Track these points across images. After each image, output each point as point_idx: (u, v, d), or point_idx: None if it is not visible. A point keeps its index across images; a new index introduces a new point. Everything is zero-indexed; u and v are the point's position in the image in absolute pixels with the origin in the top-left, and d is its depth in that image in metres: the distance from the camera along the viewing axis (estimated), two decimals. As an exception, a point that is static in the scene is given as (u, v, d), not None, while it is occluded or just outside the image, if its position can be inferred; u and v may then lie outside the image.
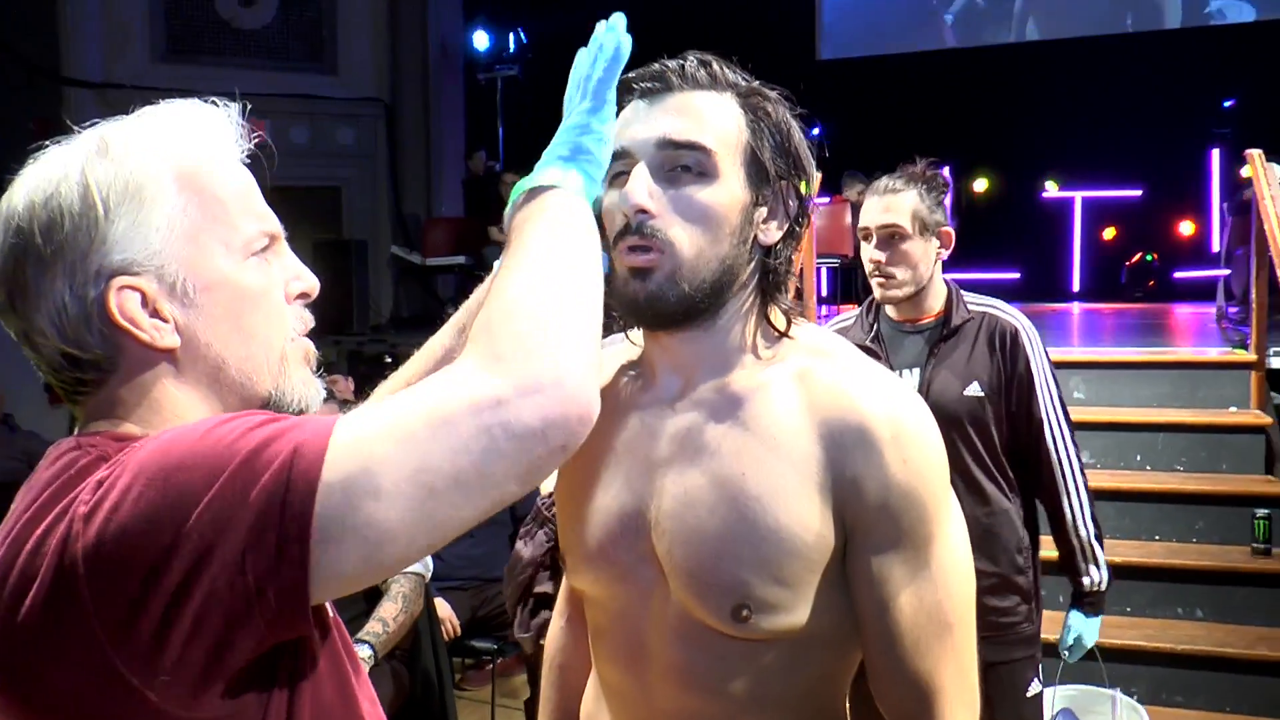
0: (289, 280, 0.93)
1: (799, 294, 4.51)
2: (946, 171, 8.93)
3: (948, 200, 2.49)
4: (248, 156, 0.94)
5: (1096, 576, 2.44)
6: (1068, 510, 2.40)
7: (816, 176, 1.14)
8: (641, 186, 1.05)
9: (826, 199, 7.59)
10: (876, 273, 2.40)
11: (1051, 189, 9.79)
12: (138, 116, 0.90)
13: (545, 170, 0.96)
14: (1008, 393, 2.37)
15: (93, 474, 0.79)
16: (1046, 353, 2.42)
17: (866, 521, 1.05)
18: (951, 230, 2.45)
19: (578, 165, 0.98)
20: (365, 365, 8.20)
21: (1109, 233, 9.80)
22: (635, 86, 1.09)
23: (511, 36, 10.41)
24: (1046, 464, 2.40)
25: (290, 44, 9.61)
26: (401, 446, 0.76)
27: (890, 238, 2.37)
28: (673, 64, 1.09)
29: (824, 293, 6.85)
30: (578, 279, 0.86)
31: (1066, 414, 2.42)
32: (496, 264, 1.15)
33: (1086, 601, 2.48)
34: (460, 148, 10.87)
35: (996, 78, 9.60)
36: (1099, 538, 2.43)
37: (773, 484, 1.06)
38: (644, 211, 1.05)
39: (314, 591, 0.75)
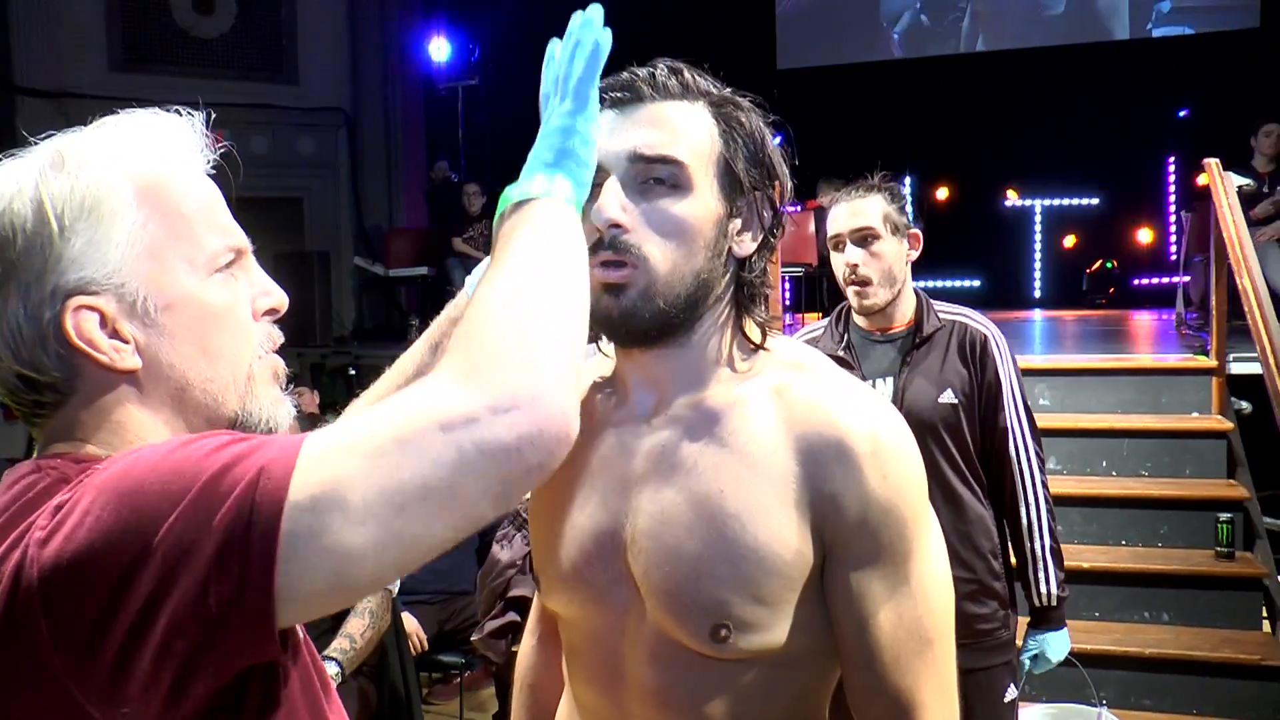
0: (256, 296, 0.90)
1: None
2: (908, 181, 9.02)
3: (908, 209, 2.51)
4: (212, 167, 0.91)
5: (1047, 590, 2.44)
6: (1024, 520, 2.42)
7: (790, 185, 1.13)
8: (614, 200, 1.03)
9: (797, 207, 7.62)
10: (853, 278, 2.40)
11: (1012, 197, 9.90)
12: (96, 127, 0.87)
13: (531, 178, 0.92)
14: (979, 399, 2.39)
15: (52, 497, 0.76)
16: (1015, 361, 2.44)
17: (845, 537, 1.04)
18: (919, 232, 2.47)
19: (564, 170, 0.93)
20: (328, 377, 8.13)
21: (1069, 240, 9.91)
22: (605, 96, 1.07)
23: (471, 47, 10.37)
24: (1009, 473, 2.41)
25: (249, 53, 9.52)
26: (370, 463, 0.73)
27: (863, 240, 2.38)
28: (643, 73, 1.07)
29: (788, 301, 6.86)
30: (562, 292, 0.83)
31: (1033, 423, 2.43)
32: (469, 280, 1.13)
33: (1042, 618, 2.48)
34: (421, 158, 10.82)
35: (955, 88, 9.71)
36: (1055, 551, 2.43)
37: (751, 501, 1.04)
38: (617, 226, 1.03)
39: (281, 614, 0.73)
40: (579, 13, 1.01)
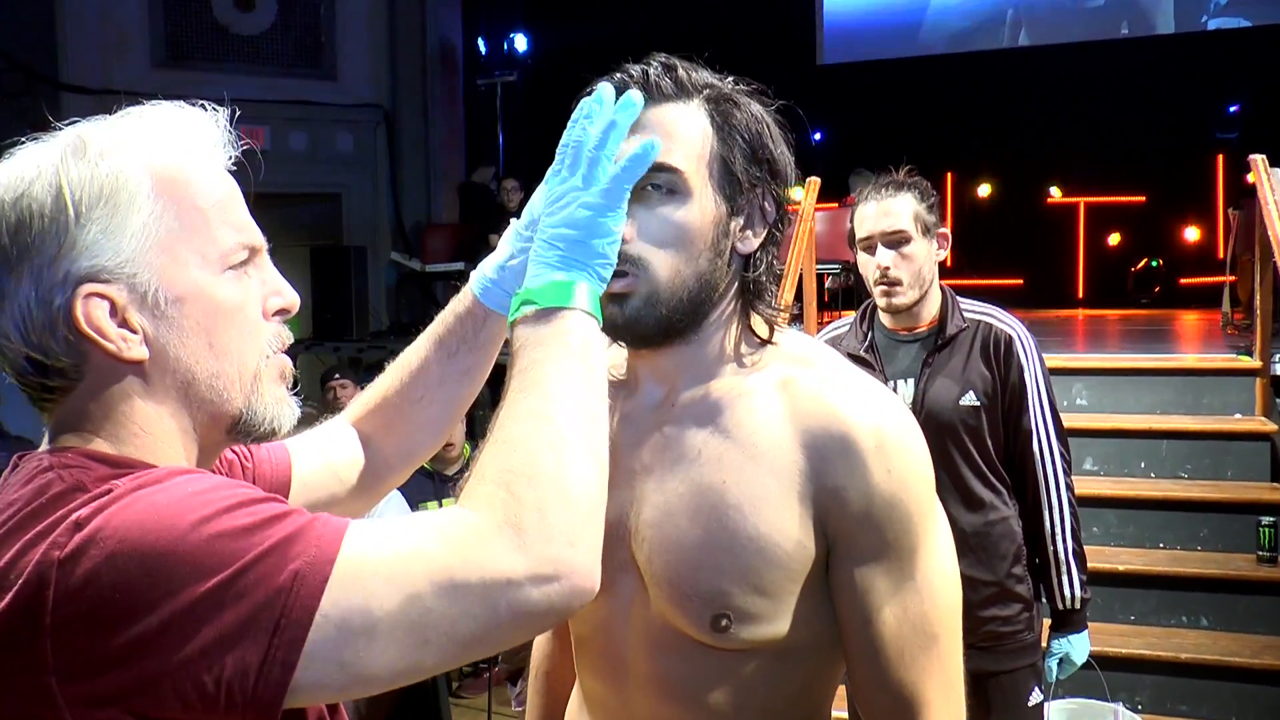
0: (268, 295, 0.91)
1: (798, 298, 4.50)
2: (948, 178, 8.95)
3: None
4: (234, 164, 0.92)
5: (1070, 593, 2.41)
6: (1047, 522, 2.39)
7: (794, 175, 1.13)
8: None
9: (833, 205, 7.58)
10: (883, 280, 2.38)
11: (1055, 194, 9.78)
12: (120, 117, 0.88)
13: (553, 276, 0.92)
14: (1002, 401, 2.37)
15: (67, 506, 0.77)
16: (1042, 361, 2.42)
17: (849, 532, 1.04)
18: (947, 232, 2.45)
19: (589, 273, 0.93)
20: (364, 371, 8.20)
21: (1114, 238, 9.78)
22: None
23: (510, 42, 10.41)
24: (1032, 475, 2.39)
25: (288, 49, 9.62)
26: (405, 595, 0.76)
27: (894, 242, 2.36)
28: (636, 72, 1.07)
29: (825, 299, 6.83)
30: (597, 443, 0.86)
31: (1059, 425, 2.41)
32: (473, 276, 1.14)
33: (1064, 621, 2.46)
34: (460, 153, 10.87)
35: (997, 83, 9.60)
36: (1078, 554, 2.41)
37: (753, 493, 1.05)
38: None
39: (285, 705, 0.75)
40: (589, 95, 0.97)
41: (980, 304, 2.49)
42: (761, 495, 1.05)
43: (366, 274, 8.96)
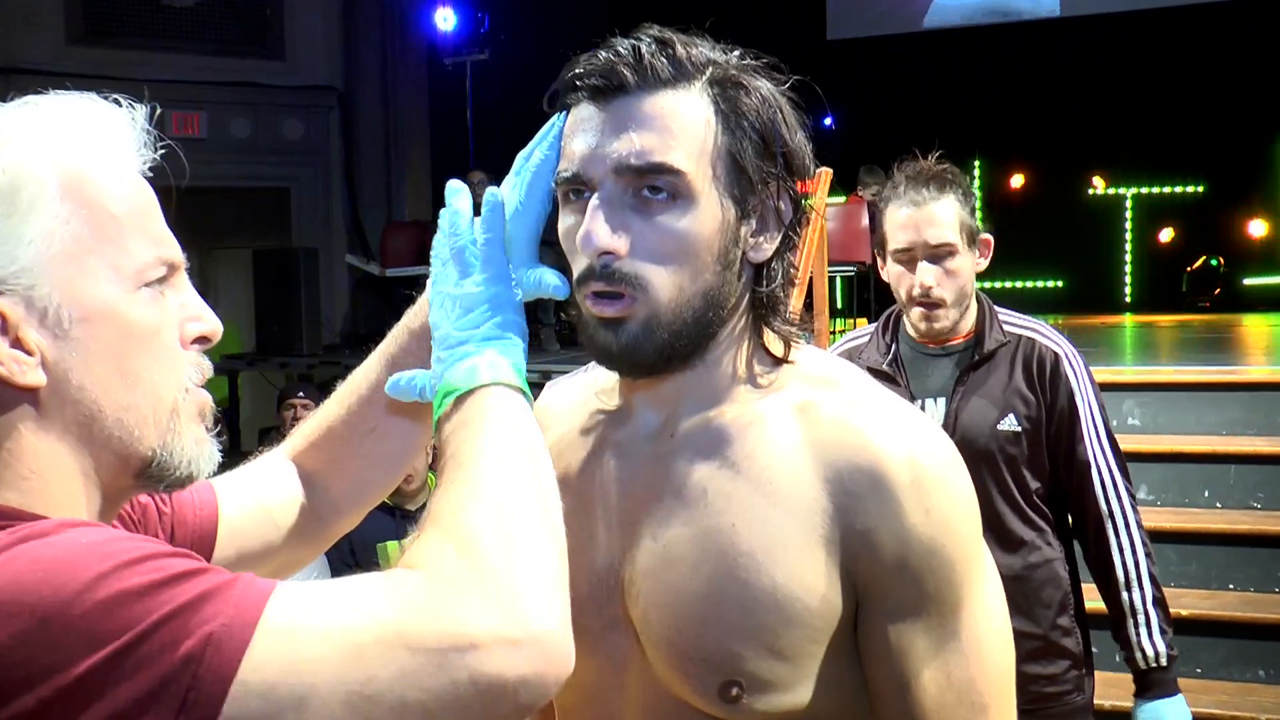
0: (187, 320, 0.89)
1: (808, 307, 4.48)
2: (976, 167, 8.96)
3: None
4: (162, 157, 0.91)
5: (1154, 649, 2.33)
6: (1119, 568, 2.34)
7: (815, 170, 1.10)
8: (602, 225, 1.00)
9: (841, 199, 7.59)
10: (924, 300, 2.32)
11: (1099, 185, 9.81)
12: (21, 105, 0.86)
13: (463, 363, 0.95)
14: (1048, 428, 2.35)
15: None
16: (1094, 382, 2.39)
17: (882, 583, 1.02)
18: (990, 237, 2.40)
19: (494, 341, 0.97)
20: (315, 391, 8.17)
21: (1166, 234, 9.84)
22: (581, 84, 1.04)
23: (480, 16, 10.44)
24: (1094, 514, 2.35)
25: (229, 24, 9.64)
26: (344, 662, 0.73)
27: (939, 257, 2.30)
28: (625, 51, 1.03)
29: (839, 305, 6.83)
30: (549, 515, 0.87)
31: (1119, 454, 2.38)
32: (430, 285, 1.12)
33: (1150, 683, 2.36)
34: (425, 142, 10.89)
35: (1031, 59, 9.67)
36: (1160, 601, 2.34)
37: (768, 537, 1.02)
38: (609, 253, 1.01)
39: None
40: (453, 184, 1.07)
41: (1022, 316, 2.46)
42: (778, 540, 1.02)
43: (318, 279, 8.97)
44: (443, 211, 1.05)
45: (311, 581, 0.80)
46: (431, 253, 1.05)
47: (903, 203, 2.33)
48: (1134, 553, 2.34)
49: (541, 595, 0.80)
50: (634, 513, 1.10)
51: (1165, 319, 8.66)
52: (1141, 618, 2.34)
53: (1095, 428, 2.35)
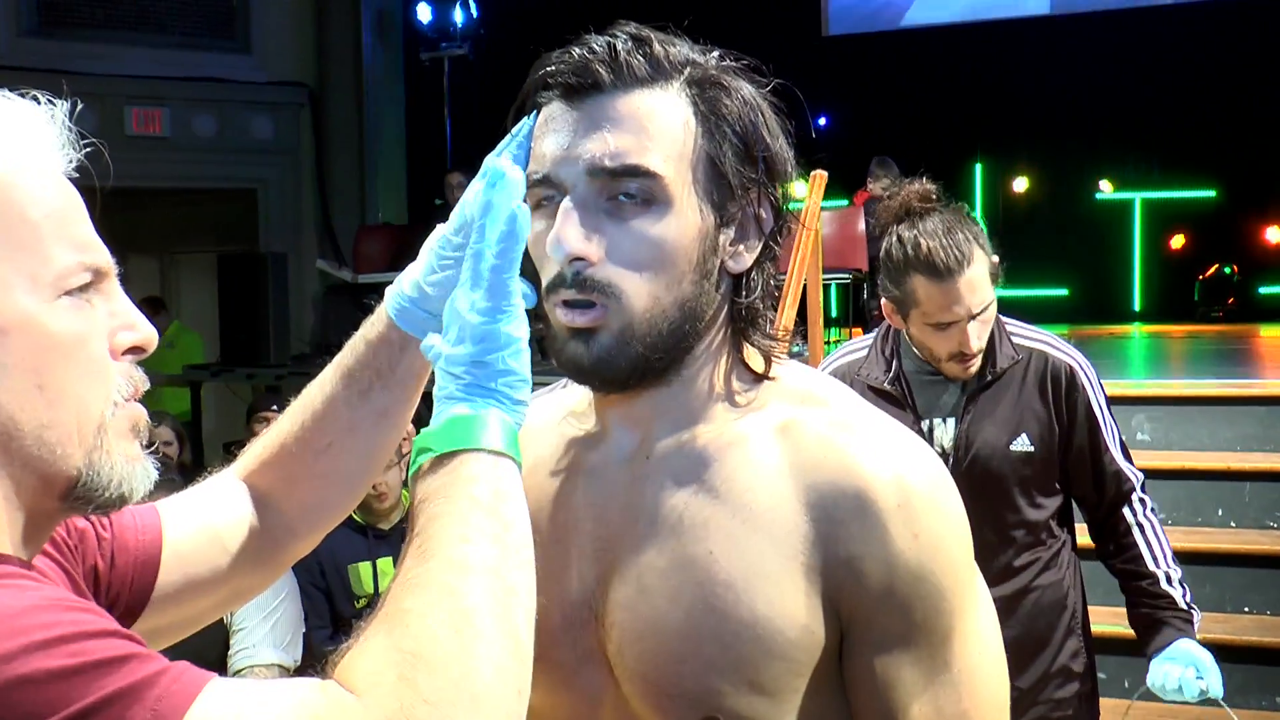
0: (116, 329, 0.88)
1: (801, 318, 4.47)
2: (978, 170, 8.97)
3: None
4: (80, 162, 0.90)
5: (1184, 602, 2.37)
6: (1148, 559, 2.38)
7: (794, 171, 1.10)
8: (574, 229, 1.00)
9: (844, 203, 7.60)
10: (961, 358, 2.27)
11: (1106, 189, 9.84)
12: None
13: (452, 410, 0.91)
14: (1064, 446, 2.35)
15: None
16: (1106, 396, 2.41)
17: (868, 612, 1.02)
18: (996, 259, 2.35)
19: (496, 399, 0.92)
20: (284, 403, 8.14)
21: (1177, 240, 9.87)
22: (553, 82, 1.03)
23: (459, 9, 10.43)
24: (1121, 518, 2.39)
25: (194, 16, 9.61)
26: None
27: (978, 313, 2.24)
28: (600, 48, 1.03)
29: (834, 314, 6.84)
30: (513, 623, 0.84)
31: (1128, 456, 2.43)
32: (389, 293, 1.10)
33: (1178, 626, 2.35)
34: (400, 141, 10.88)
35: (1035, 57, 9.69)
36: (1183, 581, 2.40)
37: (747, 565, 1.02)
38: (581, 259, 1.00)
39: None
40: (482, 178, 0.98)
41: (1030, 327, 2.45)
42: (758, 568, 1.02)
43: (287, 286, 8.92)
44: (475, 192, 0.98)
45: (245, 682, 0.78)
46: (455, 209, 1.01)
47: (941, 279, 2.20)
48: (1162, 549, 2.39)
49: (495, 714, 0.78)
50: (609, 540, 1.09)
51: (1176, 329, 8.69)
52: (1178, 592, 2.37)
53: (1113, 436, 2.39)
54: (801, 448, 1.05)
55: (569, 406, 1.19)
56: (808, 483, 1.03)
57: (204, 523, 1.11)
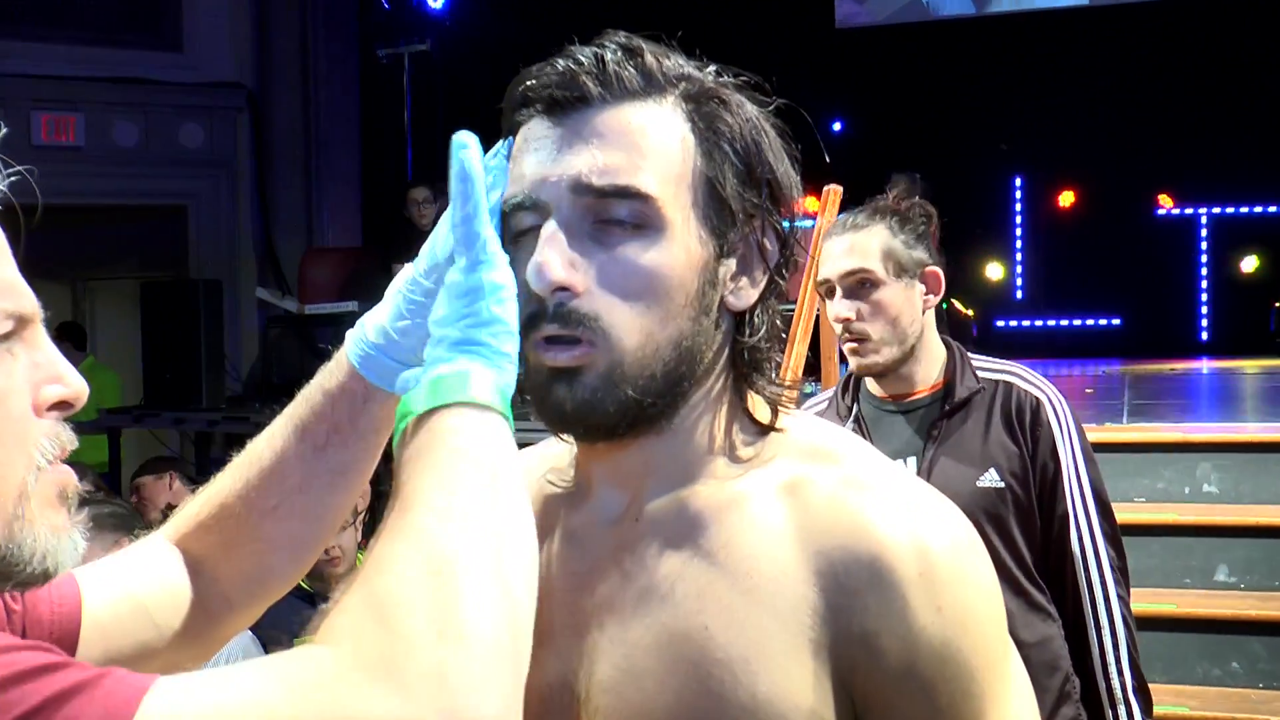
0: (41, 383, 0.89)
1: (812, 365, 4.49)
2: (1017, 182, 9.00)
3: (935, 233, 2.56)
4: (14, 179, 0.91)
5: None
6: (1096, 645, 2.43)
7: (799, 192, 1.12)
8: (557, 256, 1.02)
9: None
10: (847, 335, 2.51)
11: (1166, 204, 9.89)
12: None
13: (434, 369, 0.94)
14: (1033, 481, 2.45)
15: None
16: (1081, 432, 2.50)
17: (886, 695, 1.03)
18: (939, 270, 2.55)
19: (478, 354, 0.95)
20: (219, 455, 8.13)
21: (1250, 263, 9.90)
22: (535, 96, 1.06)
23: (420, 1, 10.49)
24: (1071, 578, 2.44)
25: (114, 7, 9.65)
26: None
27: (858, 285, 2.49)
28: (587, 58, 1.06)
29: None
30: (504, 562, 0.85)
31: (1106, 517, 2.47)
32: (349, 336, 1.12)
33: None
34: (354, 149, 10.90)
35: (1081, 52, 9.70)
36: (1140, 691, 2.42)
37: (748, 642, 1.03)
38: (565, 289, 1.02)
39: None
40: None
41: (999, 361, 2.61)
42: (761, 646, 1.03)
43: (221, 318, 8.93)
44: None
45: (204, 671, 0.80)
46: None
47: (832, 236, 2.57)
48: (1112, 630, 2.43)
49: (476, 673, 0.79)
50: (592, 614, 1.10)
51: (1249, 365, 8.69)
52: (1119, 704, 2.41)
53: (1080, 485, 2.45)
54: (810, 509, 1.06)
55: (549, 460, 1.20)
56: (817, 549, 1.04)
57: (128, 592, 1.12)
